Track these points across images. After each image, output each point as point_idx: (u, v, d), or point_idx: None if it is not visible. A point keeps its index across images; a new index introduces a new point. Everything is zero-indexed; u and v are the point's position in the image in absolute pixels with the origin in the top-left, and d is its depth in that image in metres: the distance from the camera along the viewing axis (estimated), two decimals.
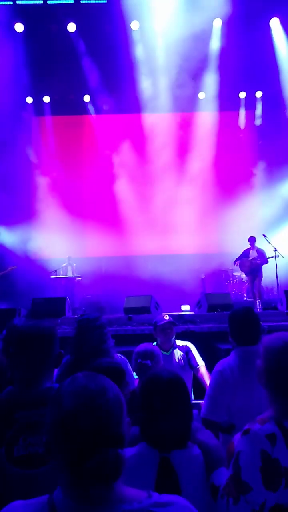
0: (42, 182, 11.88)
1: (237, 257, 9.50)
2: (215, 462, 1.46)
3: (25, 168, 11.71)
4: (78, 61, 10.44)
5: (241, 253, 9.47)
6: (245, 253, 9.38)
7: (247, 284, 9.92)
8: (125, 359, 2.80)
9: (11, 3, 9.46)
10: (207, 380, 3.50)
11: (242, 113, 12.38)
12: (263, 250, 9.26)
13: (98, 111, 11.96)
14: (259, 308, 7.44)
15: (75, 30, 9.95)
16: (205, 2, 9.05)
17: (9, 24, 9.53)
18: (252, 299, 8.88)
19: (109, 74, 10.84)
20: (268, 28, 10.20)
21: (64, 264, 10.69)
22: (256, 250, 9.29)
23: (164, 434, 1.46)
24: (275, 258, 8.89)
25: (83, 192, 11.91)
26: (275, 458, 1.33)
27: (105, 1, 9.32)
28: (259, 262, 9.19)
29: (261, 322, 2.68)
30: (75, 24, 9.85)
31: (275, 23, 10.16)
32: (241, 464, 1.34)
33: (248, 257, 9.32)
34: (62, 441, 0.94)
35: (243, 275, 10.39)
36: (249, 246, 9.40)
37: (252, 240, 9.35)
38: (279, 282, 8.95)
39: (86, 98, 11.91)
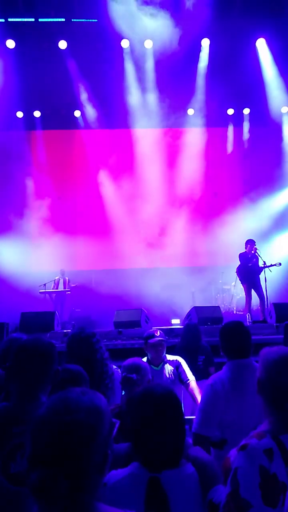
0: (32, 195, 11.86)
1: (237, 266, 8.76)
2: (212, 479, 1.41)
3: (16, 182, 11.68)
4: (69, 77, 10.55)
5: (239, 258, 8.72)
6: (244, 258, 8.60)
7: (245, 295, 8.84)
8: (119, 372, 2.77)
9: (2, 20, 9.59)
10: (197, 394, 3.50)
11: (230, 129, 12.59)
12: (259, 256, 8.63)
13: (88, 126, 12.06)
14: (249, 322, 7.47)
15: (66, 47, 10.06)
16: (193, 21, 9.28)
17: (0, 40, 9.64)
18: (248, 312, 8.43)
19: (99, 90, 10.98)
20: (255, 48, 10.46)
21: (57, 277, 10.55)
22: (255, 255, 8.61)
23: (157, 452, 1.39)
24: (275, 266, 8.37)
25: (73, 205, 11.91)
26: (273, 474, 1.31)
27: (96, 20, 9.49)
28: (262, 267, 8.48)
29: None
30: (66, 41, 9.97)
31: (261, 44, 10.43)
32: (240, 480, 1.31)
33: (248, 263, 8.51)
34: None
35: (232, 288, 10.38)
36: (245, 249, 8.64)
37: (251, 243, 8.55)
38: (268, 295, 8.96)
39: (77, 113, 12.02)
